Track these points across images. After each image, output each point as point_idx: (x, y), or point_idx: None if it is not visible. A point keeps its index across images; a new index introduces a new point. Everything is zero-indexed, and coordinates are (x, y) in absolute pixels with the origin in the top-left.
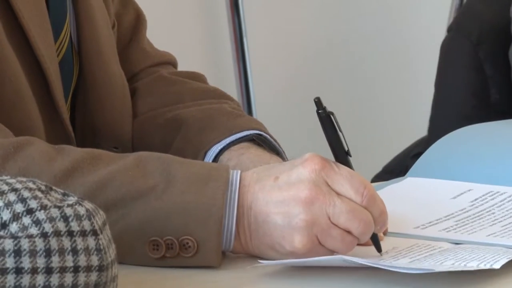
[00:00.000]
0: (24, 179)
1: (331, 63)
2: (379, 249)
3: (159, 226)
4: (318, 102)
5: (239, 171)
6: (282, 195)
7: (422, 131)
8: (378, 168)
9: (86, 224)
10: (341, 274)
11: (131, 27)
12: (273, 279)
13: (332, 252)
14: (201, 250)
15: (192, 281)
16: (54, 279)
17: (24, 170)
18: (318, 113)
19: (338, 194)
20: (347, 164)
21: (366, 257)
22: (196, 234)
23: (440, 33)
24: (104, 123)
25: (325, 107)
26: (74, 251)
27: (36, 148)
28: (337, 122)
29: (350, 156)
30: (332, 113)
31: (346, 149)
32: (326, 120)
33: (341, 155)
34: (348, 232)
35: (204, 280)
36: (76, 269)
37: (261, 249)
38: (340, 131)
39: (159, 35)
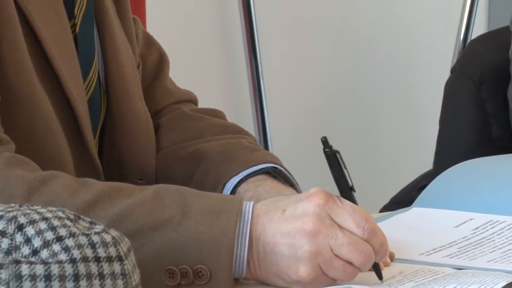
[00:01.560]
0: (54, 209)
1: (343, 102)
2: (380, 277)
3: (175, 255)
4: (324, 141)
5: (252, 203)
6: (288, 227)
7: (427, 165)
8: (386, 200)
9: (112, 251)
10: None
11: (155, 67)
12: None
13: (334, 281)
14: (213, 278)
15: None
16: None
17: (49, 203)
18: (324, 152)
19: (340, 227)
20: (351, 199)
21: (372, 284)
22: (209, 264)
23: (444, 74)
24: (129, 156)
25: (331, 145)
26: (101, 276)
27: (60, 182)
28: (342, 160)
29: (354, 191)
30: (338, 152)
31: (351, 184)
32: (332, 158)
33: (346, 191)
34: (350, 263)
35: None
36: None
37: (269, 277)
38: (345, 168)
39: (182, 73)
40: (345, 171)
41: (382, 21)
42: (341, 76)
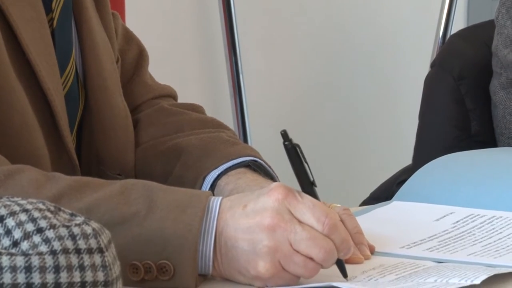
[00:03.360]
0: (35, 200)
1: (322, 98)
2: (344, 274)
3: (139, 251)
4: (284, 135)
5: (220, 198)
6: (248, 222)
7: (407, 159)
8: (366, 195)
9: (93, 242)
10: None
11: (134, 62)
12: None
13: (297, 278)
14: (177, 274)
15: None
16: None
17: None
18: (284, 145)
19: (300, 222)
20: (312, 194)
21: (353, 277)
22: (172, 259)
23: (424, 69)
24: (108, 152)
25: (291, 139)
26: (82, 268)
27: (26, 176)
28: (302, 154)
29: (316, 186)
30: (298, 145)
31: (312, 179)
32: (292, 151)
33: (307, 185)
34: (310, 258)
35: None
36: (83, 285)
37: (231, 273)
38: (306, 162)
39: (162, 69)
40: (305, 165)
41: (363, 17)
42: (321, 71)
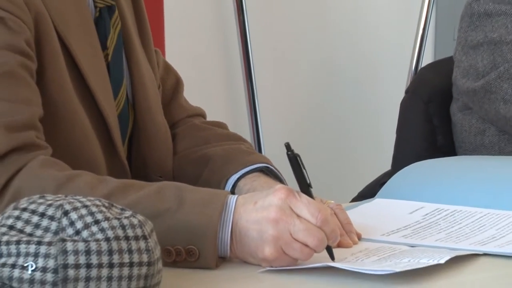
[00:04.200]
0: (93, 198)
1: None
2: (332, 257)
3: (171, 238)
4: (287, 146)
5: (236, 196)
6: (257, 215)
7: (387, 165)
8: (354, 193)
9: (139, 231)
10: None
11: (172, 88)
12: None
13: (295, 260)
14: (201, 256)
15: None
16: (115, 272)
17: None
18: (287, 155)
19: (298, 216)
20: (309, 193)
21: (344, 259)
22: (197, 244)
23: (400, 94)
24: (152, 159)
25: (292, 150)
26: (130, 251)
27: (83, 179)
28: (301, 161)
29: (311, 187)
30: (298, 155)
31: (308, 182)
32: (293, 160)
33: (304, 187)
34: (306, 245)
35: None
36: (131, 264)
37: (244, 256)
38: (304, 168)
39: (193, 94)
40: (304, 171)
41: (350, 56)
42: (319, 96)
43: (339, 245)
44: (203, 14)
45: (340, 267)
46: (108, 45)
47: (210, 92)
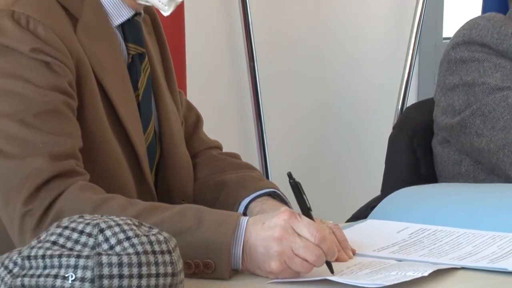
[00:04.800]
0: (125, 218)
1: (321, 150)
2: (331, 271)
3: (191, 253)
4: (289, 175)
5: (247, 217)
6: (265, 234)
7: (376, 191)
8: (349, 215)
9: (164, 246)
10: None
11: (193, 124)
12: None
13: (298, 273)
14: (217, 268)
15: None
16: (144, 282)
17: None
18: (290, 183)
19: (299, 235)
20: (309, 216)
21: (340, 271)
22: (213, 259)
23: (388, 130)
24: (175, 185)
25: (294, 178)
26: (156, 264)
27: (115, 202)
28: (302, 188)
29: (311, 210)
30: (299, 183)
31: (308, 206)
32: (295, 187)
33: (305, 210)
34: (306, 260)
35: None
36: (157, 275)
37: (254, 269)
38: (304, 194)
39: (210, 128)
40: (304, 196)
41: (345, 97)
42: (318, 131)
43: (336, 260)
44: (220, 62)
45: (337, 280)
46: (139, 87)
47: (225, 127)
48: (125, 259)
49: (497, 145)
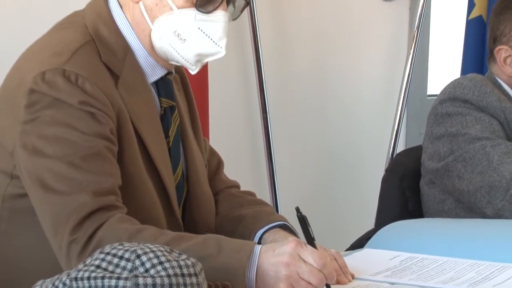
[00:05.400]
0: (158, 245)
1: (324, 191)
2: None
3: (212, 276)
4: (297, 209)
5: (260, 246)
6: (275, 260)
7: (371, 225)
8: (348, 245)
9: (192, 270)
10: None
11: (215, 167)
12: None
13: None
14: None
15: None
16: None
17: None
18: (297, 216)
19: (304, 261)
20: (313, 245)
21: None
22: (231, 281)
23: (380, 173)
24: (199, 218)
25: (301, 212)
26: (185, 285)
27: (148, 232)
28: (307, 221)
29: (315, 240)
30: (305, 216)
31: (312, 236)
32: (301, 220)
33: (309, 240)
34: (310, 283)
35: None
36: None
37: None
38: (309, 226)
39: (228, 164)
40: (309, 228)
41: (344, 143)
42: (321, 174)
43: (338, 282)
44: (238, 114)
45: None
46: (169, 135)
47: (241, 168)
48: (158, 280)
49: (475, 186)
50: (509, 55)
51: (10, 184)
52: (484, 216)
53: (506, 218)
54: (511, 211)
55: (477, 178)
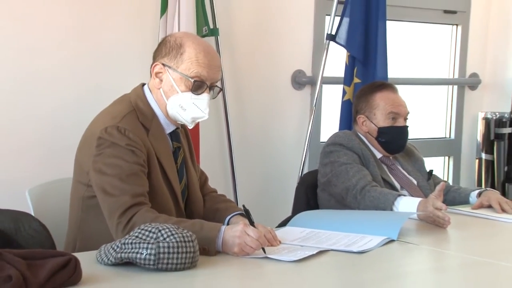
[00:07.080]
0: (169, 224)
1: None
2: (264, 252)
3: (198, 243)
4: (243, 206)
5: (225, 226)
6: (232, 234)
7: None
8: (277, 224)
9: (190, 238)
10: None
11: (204, 181)
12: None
13: (247, 253)
14: (210, 250)
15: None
16: (182, 255)
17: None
18: (243, 210)
19: (248, 235)
20: (253, 225)
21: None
22: (207, 245)
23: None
24: (194, 210)
25: (246, 208)
26: (186, 247)
27: (163, 218)
28: (249, 212)
29: (254, 222)
30: (248, 210)
31: (253, 221)
32: (246, 212)
33: (251, 223)
34: (251, 247)
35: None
36: (187, 252)
37: (227, 251)
38: (250, 215)
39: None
40: (251, 216)
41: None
42: (262, 182)
43: (270, 246)
44: (214, 151)
45: (269, 256)
46: (177, 162)
47: (217, 178)
48: (171, 244)
49: (343, 190)
50: (364, 120)
51: (86, 190)
52: (350, 208)
53: (360, 209)
54: (362, 205)
55: (344, 185)
